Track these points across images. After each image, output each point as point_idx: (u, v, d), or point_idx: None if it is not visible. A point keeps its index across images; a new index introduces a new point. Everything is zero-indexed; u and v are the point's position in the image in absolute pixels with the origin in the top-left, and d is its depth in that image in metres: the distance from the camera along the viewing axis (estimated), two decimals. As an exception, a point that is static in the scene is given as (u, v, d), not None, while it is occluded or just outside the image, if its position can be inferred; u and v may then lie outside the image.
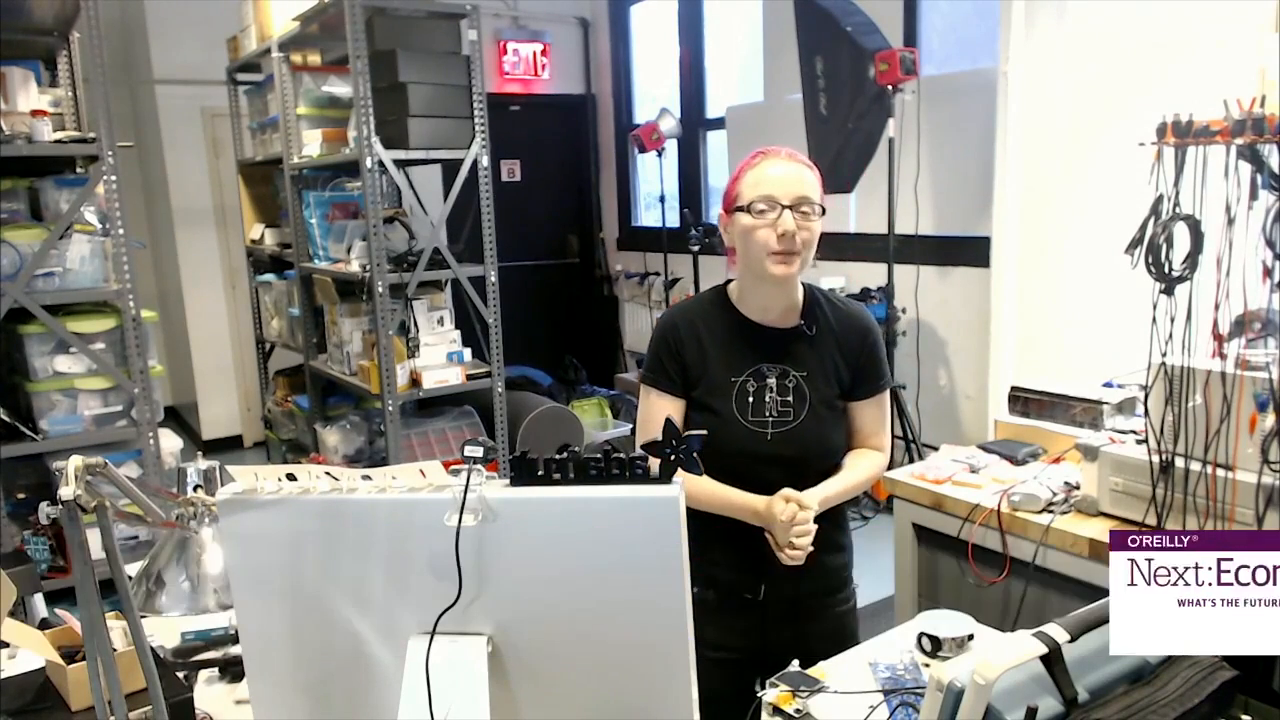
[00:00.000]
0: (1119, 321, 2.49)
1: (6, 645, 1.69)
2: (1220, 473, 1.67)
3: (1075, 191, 3.51)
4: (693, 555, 1.69)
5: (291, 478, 1.06)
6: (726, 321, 1.65)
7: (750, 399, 1.61)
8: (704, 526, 1.69)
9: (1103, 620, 1.20)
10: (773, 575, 1.66)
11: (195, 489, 1.29)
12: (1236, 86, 1.64)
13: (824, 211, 1.58)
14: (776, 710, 1.43)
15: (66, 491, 0.77)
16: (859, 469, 1.68)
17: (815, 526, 1.56)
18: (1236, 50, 2.63)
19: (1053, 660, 1.13)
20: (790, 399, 1.61)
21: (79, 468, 0.78)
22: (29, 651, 1.60)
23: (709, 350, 1.64)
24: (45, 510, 0.80)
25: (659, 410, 1.63)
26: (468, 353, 3.99)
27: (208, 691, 1.56)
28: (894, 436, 4.50)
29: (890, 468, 2.27)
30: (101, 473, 0.82)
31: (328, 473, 1.06)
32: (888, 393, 1.72)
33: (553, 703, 1.07)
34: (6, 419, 2.87)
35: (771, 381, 1.61)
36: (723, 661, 1.64)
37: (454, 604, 1.03)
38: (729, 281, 1.70)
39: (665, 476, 1.01)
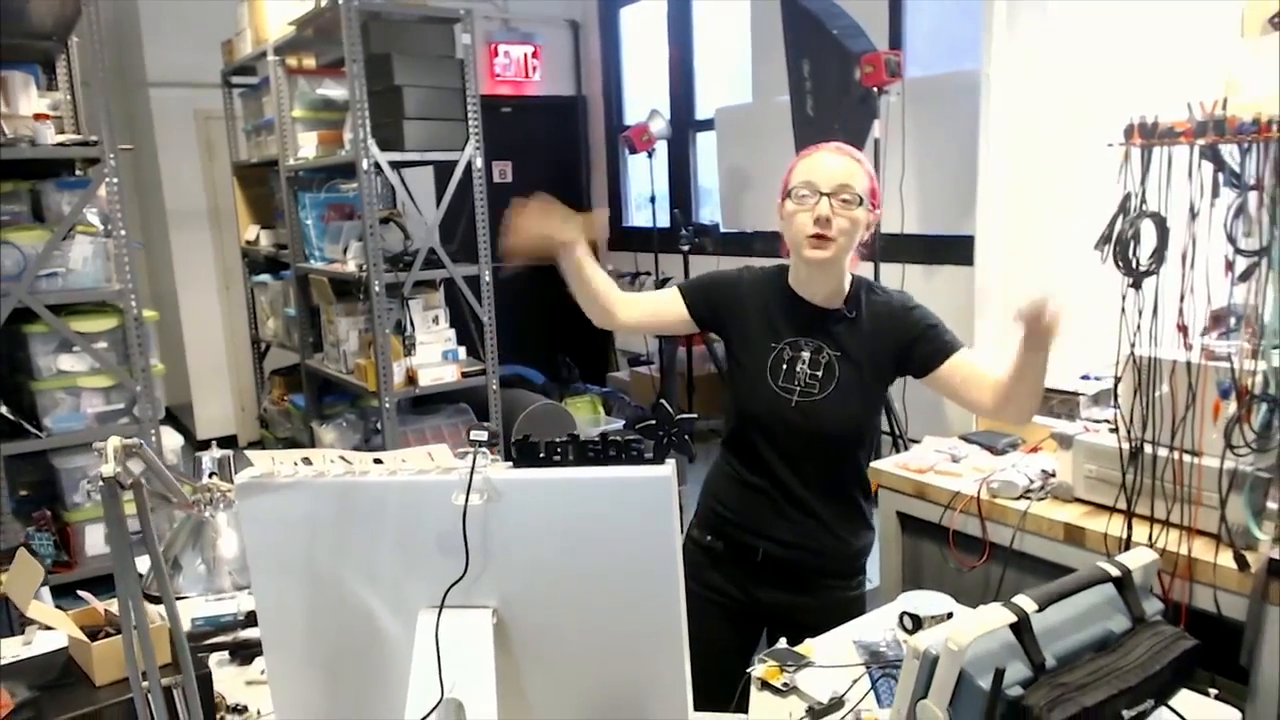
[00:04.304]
0: (1097, 317, 2.57)
1: (28, 625, 1.76)
2: (1187, 458, 1.74)
3: (1057, 190, 3.58)
4: (708, 503, 1.82)
5: (307, 462, 1.13)
6: (780, 294, 1.76)
7: (784, 366, 1.72)
8: (722, 477, 1.83)
9: (1068, 592, 1.27)
10: (771, 540, 1.77)
11: (210, 475, 1.35)
12: (1214, 88, 1.71)
13: (862, 202, 1.63)
14: (765, 684, 1.51)
15: (107, 469, 0.83)
16: (1000, 365, 1.65)
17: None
18: (1215, 52, 2.71)
19: (1021, 629, 1.20)
20: (820, 373, 1.70)
21: (118, 448, 0.85)
22: (45, 639, 1.67)
23: (759, 313, 1.76)
24: (85, 486, 0.85)
25: (667, 295, 1.81)
26: (463, 351, 4.05)
27: (219, 674, 1.62)
28: (880, 431, 4.59)
29: (876, 459, 2.35)
30: (137, 453, 0.88)
31: (341, 456, 1.12)
32: (967, 350, 1.71)
33: (555, 670, 1.13)
34: (10, 417, 2.92)
35: (805, 354, 1.71)
36: (720, 605, 1.81)
37: (461, 579, 1.09)
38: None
39: (658, 458, 1.08)
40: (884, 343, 1.72)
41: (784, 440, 1.73)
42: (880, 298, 1.77)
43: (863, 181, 1.65)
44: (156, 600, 1.10)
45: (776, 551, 1.77)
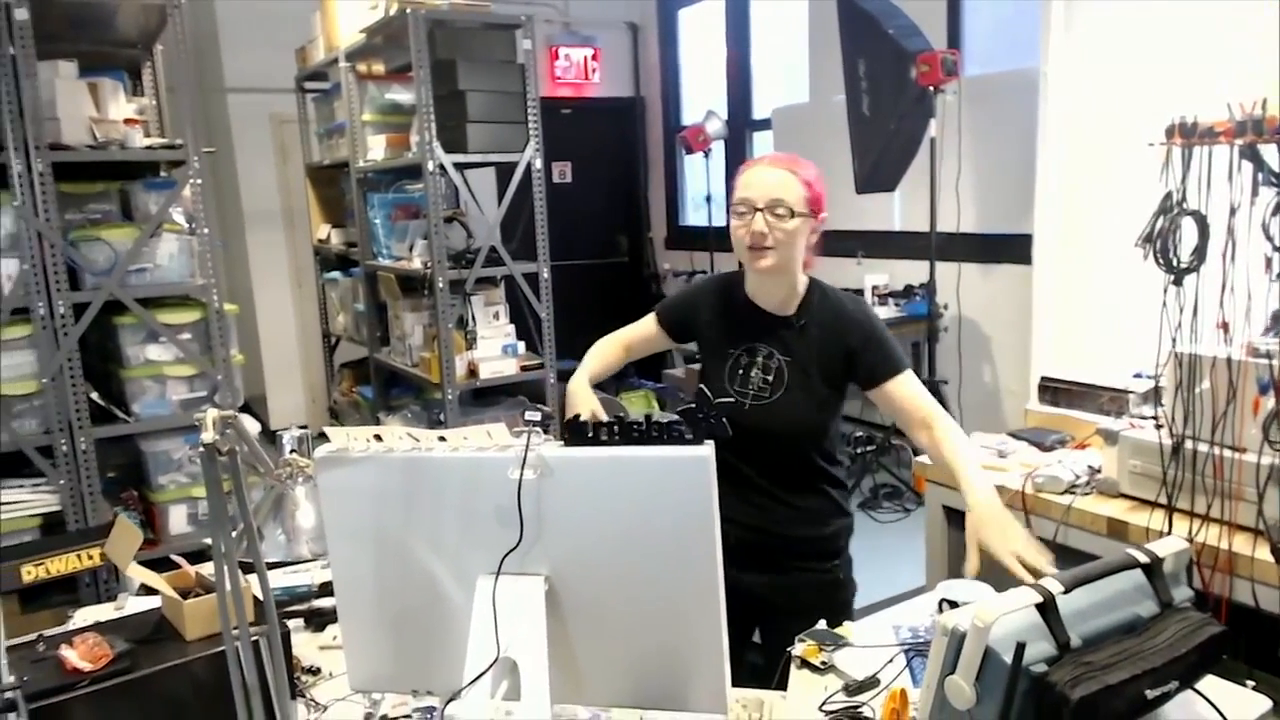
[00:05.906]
0: (1152, 315, 2.57)
1: (120, 593, 1.92)
2: (1227, 453, 1.76)
3: (1116, 189, 3.57)
4: None
5: (379, 438, 1.24)
6: (736, 302, 1.88)
7: (740, 371, 1.81)
8: None
9: (1095, 576, 1.32)
10: (735, 524, 1.77)
11: (291, 452, 1.47)
12: (1262, 87, 1.73)
13: (794, 214, 1.71)
14: (804, 662, 1.58)
15: (207, 436, 0.95)
16: (957, 447, 1.68)
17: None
18: (1261, 52, 2.69)
19: (1047, 609, 1.25)
20: (771, 378, 1.79)
21: (216, 418, 0.96)
22: (134, 605, 1.83)
23: (716, 322, 1.89)
24: (186, 453, 0.96)
25: (645, 326, 2.05)
26: (522, 345, 4.17)
27: (295, 639, 1.75)
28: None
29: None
30: (232, 424, 0.99)
31: (409, 433, 1.23)
32: (909, 373, 1.77)
33: (602, 634, 1.23)
34: (101, 403, 3.11)
35: (759, 360, 1.81)
36: None
37: (516, 548, 1.19)
38: None
39: (698, 438, 1.17)
40: (832, 349, 1.78)
41: (739, 439, 1.80)
42: (831, 305, 1.82)
43: (797, 192, 1.72)
44: (245, 568, 1.21)
45: (742, 535, 1.80)
